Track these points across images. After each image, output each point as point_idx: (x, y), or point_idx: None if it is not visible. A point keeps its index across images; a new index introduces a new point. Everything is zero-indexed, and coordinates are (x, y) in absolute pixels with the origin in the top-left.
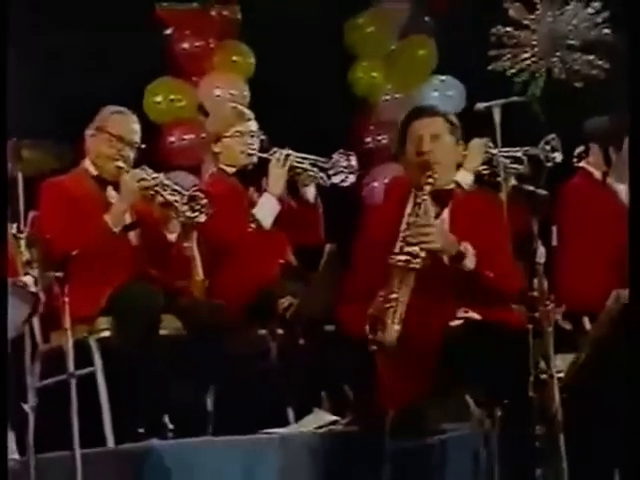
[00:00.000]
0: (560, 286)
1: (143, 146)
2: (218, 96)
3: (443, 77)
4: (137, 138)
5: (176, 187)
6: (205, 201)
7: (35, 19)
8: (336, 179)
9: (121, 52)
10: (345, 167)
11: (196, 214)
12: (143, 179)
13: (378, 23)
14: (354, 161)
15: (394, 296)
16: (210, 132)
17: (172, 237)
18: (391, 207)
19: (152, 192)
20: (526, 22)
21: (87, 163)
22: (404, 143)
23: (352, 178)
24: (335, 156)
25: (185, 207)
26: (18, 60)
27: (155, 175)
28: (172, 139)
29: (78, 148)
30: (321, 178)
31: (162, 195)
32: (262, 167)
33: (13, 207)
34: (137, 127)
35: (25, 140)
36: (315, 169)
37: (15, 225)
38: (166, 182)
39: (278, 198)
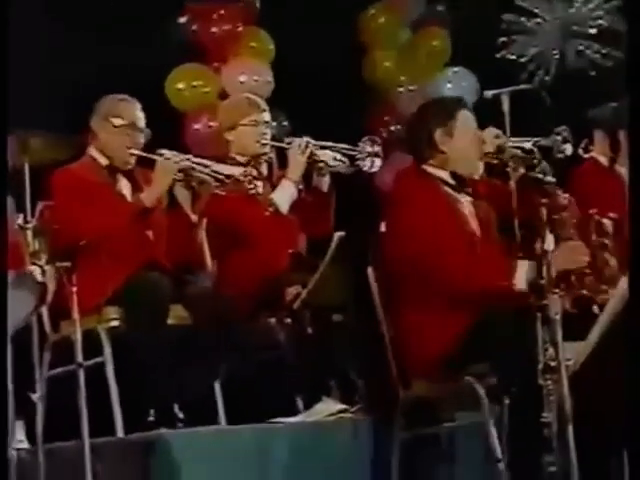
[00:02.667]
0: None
1: (147, 130)
2: (242, 82)
3: (456, 69)
4: (144, 124)
5: (215, 166)
6: (255, 172)
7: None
8: (363, 164)
9: (137, 40)
10: (371, 153)
11: (253, 184)
12: (178, 161)
13: (390, 14)
14: (379, 147)
15: None
16: (224, 120)
17: (194, 217)
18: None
19: (186, 172)
20: (536, 10)
21: (94, 152)
22: (449, 125)
23: (378, 162)
24: (361, 143)
25: (248, 178)
26: (24, 48)
27: (182, 156)
28: (197, 126)
29: (84, 138)
30: (343, 165)
31: (204, 172)
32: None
33: (19, 198)
34: (142, 114)
35: (32, 131)
36: (338, 155)
37: (22, 216)
38: (199, 161)
39: (296, 185)
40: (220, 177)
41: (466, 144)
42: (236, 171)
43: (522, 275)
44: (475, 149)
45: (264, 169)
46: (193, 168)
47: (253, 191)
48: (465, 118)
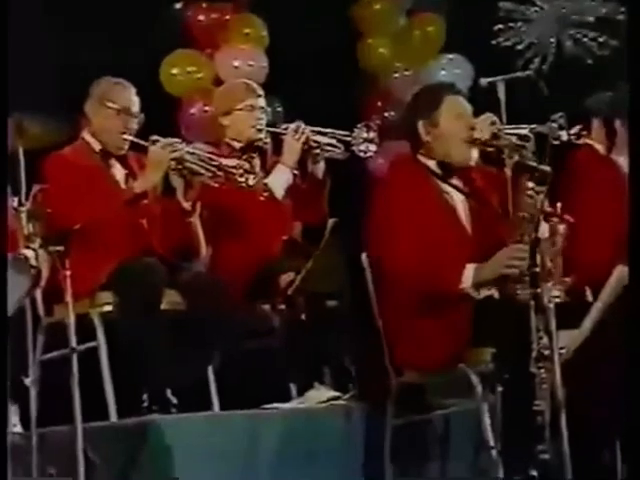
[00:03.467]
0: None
1: (141, 115)
2: (236, 67)
3: (452, 55)
4: (138, 109)
5: (207, 156)
6: (247, 166)
7: None
8: (357, 150)
9: (131, 25)
10: (367, 139)
11: (245, 177)
12: (174, 150)
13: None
14: (374, 133)
15: None
16: (220, 104)
17: (187, 205)
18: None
19: (181, 162)
20: None
21: (87, 136)
22: (433, 115)
23: (373, 148)
24: (357, 129)
25: (240, 171)
26: (22, 32)
27: (175, 143)
28: (192, 111)
29: (79, 121)
30: (339, 150)
31: (196, 164)
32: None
33: (14, 181)
34: (137, 98)
35: (27, 114)
36: (333, 141)
37: (16, 199)
38: (192, 150)
39: (291, 171)
40: (212, 169)
41: (454, 132)
42: (228, 163)
43: (469, 277)
44: (464, 135)
45: (257, 163)
46: (185, 159)
47: (244, 184)
48: (453, 105)
